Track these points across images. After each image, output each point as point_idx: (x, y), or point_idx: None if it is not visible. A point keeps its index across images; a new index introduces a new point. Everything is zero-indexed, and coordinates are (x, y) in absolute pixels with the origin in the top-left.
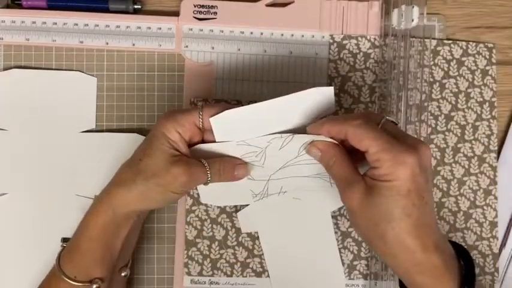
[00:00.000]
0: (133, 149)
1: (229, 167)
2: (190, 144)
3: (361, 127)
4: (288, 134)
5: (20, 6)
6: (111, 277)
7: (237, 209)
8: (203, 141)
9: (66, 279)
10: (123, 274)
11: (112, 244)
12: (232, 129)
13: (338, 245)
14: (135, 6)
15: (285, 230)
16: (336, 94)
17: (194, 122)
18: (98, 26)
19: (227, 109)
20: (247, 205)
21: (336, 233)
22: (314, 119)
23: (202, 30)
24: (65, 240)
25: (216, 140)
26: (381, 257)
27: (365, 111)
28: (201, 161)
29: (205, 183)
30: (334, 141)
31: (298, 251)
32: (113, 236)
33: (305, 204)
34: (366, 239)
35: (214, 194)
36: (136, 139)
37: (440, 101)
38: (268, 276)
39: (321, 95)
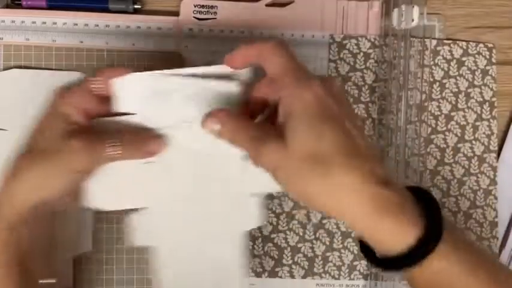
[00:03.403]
0: None
1: (141, 139)
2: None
3: (277, 47)
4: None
5: (19, 6)
6: None
7: None
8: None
9: None
10: None
11: (20, 262)
12: (136, 99)
13: (338, 245)
14: (135, 6)
15: (187, 243)
16: None
17: (88, 88)
18: (98, 26)
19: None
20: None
21: (335, 233)
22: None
23: (202, 30)
24: None
25: (113, 108)
26: (328, 212)
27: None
28: (105, 133)
29: (112, 160)
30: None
31: (201, 266)
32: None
33: (213, 215)
34: (304, 198)
35: (107, 190)
36: None
37: (440, 101)
38: (268, 276)
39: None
